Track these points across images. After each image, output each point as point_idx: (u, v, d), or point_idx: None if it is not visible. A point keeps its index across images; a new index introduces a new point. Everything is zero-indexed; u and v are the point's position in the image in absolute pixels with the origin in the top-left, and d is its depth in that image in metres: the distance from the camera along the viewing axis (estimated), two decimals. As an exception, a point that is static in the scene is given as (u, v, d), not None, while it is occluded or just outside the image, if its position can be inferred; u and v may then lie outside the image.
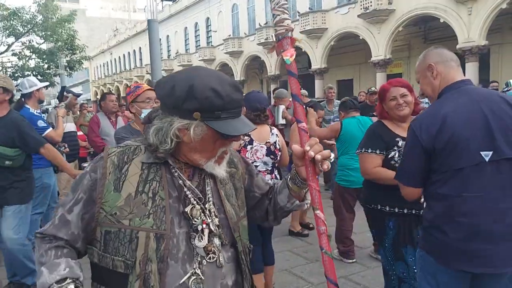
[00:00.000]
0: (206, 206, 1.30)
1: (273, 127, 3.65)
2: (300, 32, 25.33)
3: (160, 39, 47.02)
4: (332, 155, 1.32)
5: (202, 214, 1.27)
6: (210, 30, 36.98)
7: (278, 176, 3.61)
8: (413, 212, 2.78)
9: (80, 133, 7.04)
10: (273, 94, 8.17)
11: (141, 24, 49.32)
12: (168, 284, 1.21)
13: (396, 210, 2.81)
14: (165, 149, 1.23)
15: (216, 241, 1.29)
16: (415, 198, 2.15)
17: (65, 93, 6.42)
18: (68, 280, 1.19)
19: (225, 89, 1.21)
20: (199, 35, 39.21)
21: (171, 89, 1.22)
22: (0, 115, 3.68)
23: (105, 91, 58.48)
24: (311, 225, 5.53)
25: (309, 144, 1.29)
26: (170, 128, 1.22)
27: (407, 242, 2.80)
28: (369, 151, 2.91)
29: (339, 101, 7.95)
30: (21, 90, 4.97)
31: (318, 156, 1.26)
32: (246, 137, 3.35)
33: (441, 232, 1.96)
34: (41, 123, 4.79)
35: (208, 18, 37.21)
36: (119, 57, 56.48)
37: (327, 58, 25.19)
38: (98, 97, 45.55)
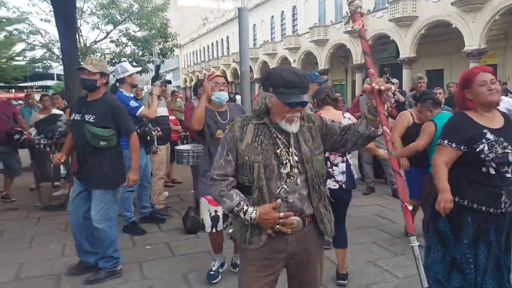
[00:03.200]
0: (290, 149, 2.07)
1: (345, 112, 3.79)
2: (389, 20, 24.51)
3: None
4: (393, 87, 1.74)
5: (286, 154, 2.06)
6: (296, 19, 36.89)
7: (349, 160, 3.69)
8: (491, 210, 2.68)
9: (172, 117, 7.31)
10: (363, 83, 8.08)
11: (229, 13, 50.35)
12: (270, 191, 2.05)
13: (475, 206, 2.70)
14: (260, 109, 2.07)
15: (295, 170, 2.06)
16: None
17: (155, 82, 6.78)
18: (242, 202, 2.06)
19: (288, 75, 2.00)
20: (285, 23, 39.23)
21: (263, 76, 2.11)
22: (97, 97, 3.84)
23: (193, 78, 60.75)
24: None
25: (375, 81, 2.01)
26: (262, 97, 2.06)
27: (481, 240, 2.73)
28: (445, 142, 2.77)
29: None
30: (114, 76, 5.23)
31: (382, 87, 1.98)
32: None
33: None
34: (133, 103, 5.04)
35: (294, 7, 37.08)
36: (208, 45, 58.09)
37: (416, 47, 24.15)
38: (187, 84, 47.07)
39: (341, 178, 3.59)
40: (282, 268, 2.20)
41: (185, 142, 7.58)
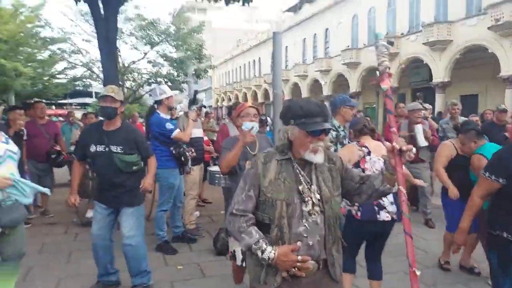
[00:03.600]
0: (312, 186, 2.08)
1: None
2: (423, 43, 24.30)
3: (279, 49, 48.13)
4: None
5: (308, 191, 2.06)
6: (328, 41, 37.04)
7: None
8: None
9: (205, 138, 7.35)
10: (396, 107, 8.00)
11: (262, 35, 50.94)
12: (291, 230, 2.02)
13: None
14: (283, 144, 2.09)
15: (316, 208, 2.05)
16: None
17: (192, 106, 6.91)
18: (261, 241, 2.01)
19: (308, 106, 2.05)
20: (317, 45, 39.44)
21: (283, 110, 2.16)
22: (117, 126, 3.90)
23: (225, 98, 61.43)
24: (475, 270, 4.77)
25: (396, 141, 2.01)
26: (283, 131, 2.10)
27: None
28: (486, 174, 2.81)
29: (463, 118, 7.53)
30: (152, 96, 5.52)
31: (404, 148, 1.99)
32: (364, 149, 3.55)
33: None
34: (169, 126, 5.19)
35: (327, 29, 37.28)
36: (240, 66, 58.86)
37: (451, 71, 23.82)
38: (219, 104, 47.32)
39: (392, 208, 3.48)
40: None
41: (216, 163, 7.65)
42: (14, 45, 17.06)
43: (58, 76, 21.37)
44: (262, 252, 1.99)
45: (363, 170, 3.41)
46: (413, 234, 5.71)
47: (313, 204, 2.04)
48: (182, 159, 5.45)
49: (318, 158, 2.06)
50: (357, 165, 3.48)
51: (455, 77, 23.78)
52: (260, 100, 48.73)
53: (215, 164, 7.48)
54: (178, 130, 5.35)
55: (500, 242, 2.77)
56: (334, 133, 4.24)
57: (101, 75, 19.63)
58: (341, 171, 2.21)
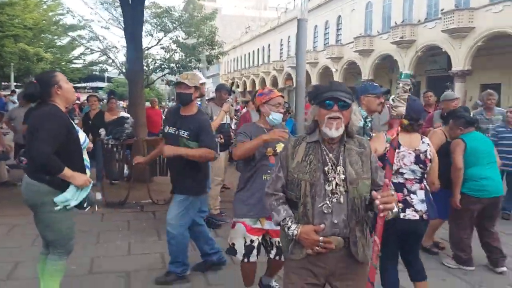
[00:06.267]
0: (337, 168, 2.16)
1: (424, 136, 3.45)
2: (442, 31, 23.84)
3: (289, 36, 47.49)
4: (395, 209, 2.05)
5: (333, 172, 2.15)
6: (341, 28, 36.56)
7: (428, 187, 3.36)
8: None
9: None
10: (425, 96, 7.65)
11: (272, 22, 50.53)
12: (315, 207, 2.15)
13: None
14: (309, 125, 2.26)
15: (340, 188, 2.14)
16: None
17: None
18: (287, 218, 2.21)
19: (321, 85, 2.30)
20: (328, 33, 39.05)
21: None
22: (193, 112, 3.92)
23: (233, 85, 61.20)
24: (441, 245, 5.14)
25: (380, 198, 2.02)
26: (310, 113, 2.27)
27: None
28: None
29: (501, 109, 7.11)
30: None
31: (381, 207, 2.02)
32: None
33: None
34: None
35: (339, 16, 36.79)
36: (248, 53, 58.71)
37: (472, 59, 23.24)
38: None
39: (421, 207, 3.25)
40: (323, 283, 2.29)
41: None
42: (38, 32, 17.48)
43: (75, 61, 21.64)
44: (288, 228, 2.19)
45: (390, 163, 3.06)
46: (446, 229, 5.37)
47: (337, 184, 2.14)
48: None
49: (333, 132, 2.13)
50: (383, 156, 3.09)
51: (475, 65, 23.22)
52: (268, 87, 48.35)
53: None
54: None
55: None
56: (360, 122, 3.81)
57: (116, 61, 19.58)
58: (370, 158, 2.28)
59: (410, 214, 3.21)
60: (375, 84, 4.34)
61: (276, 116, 3.32)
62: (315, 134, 2.23)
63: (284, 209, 2.23)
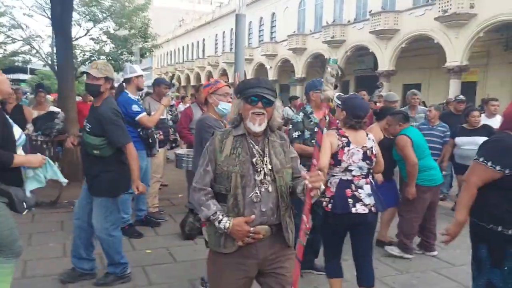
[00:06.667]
0: (264, 158, 2.28)
1: (369, 133, 3.59)
2: (370, 32, 24.87)
3: (223, 31, 47.04)
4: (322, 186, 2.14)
5: (261, 162, 2.26)
6: (275, 26, 37.11)
7: (372, 181, 3.53)
8: None
9: None
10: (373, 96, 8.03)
11: (207, 16, 50.14)
12: (245, 198, 2.23)
13: None
14: (234, 118, 2.32)
15: (268, 177, 2.26)
16: None
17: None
18: (218, 212, 2.23)
19: (249, 80, 2.34)
20: (263, 29, 39.44)
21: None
22: (98, 104, 3.68)
23: (167, 79, 60.09)
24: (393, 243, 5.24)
25: (309, 178, 2.11)
26: (234, 106, 2.34)
27: None
28: (488, 164, 2.60)
29: (424, 108, 7.70)
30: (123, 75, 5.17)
31: (310, 186, 2.11)
32: (343, 138, 3.35)
33: None
34: (135, 108, 4.98)
35: (273, 14, 37.29)
36: (182, 47, 57.94)
37: (396, 60, 24.46)
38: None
39: (369, 201, 3.32)
40: (255, 274, 2.35)
41: (173, 145, 7.46)
42: None
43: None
44: (219, 222, 2.22)
45: (340, 162, 3.31)
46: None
47: (265, 174, 2.26)
48: (150, 141, 5.29)
49: (257, 127, 2.25)
50: (335, 155, 3.31)
51: (399, 66, 24.43)
52: (203, 82, 48.06)
53: (172, 147, 7.31)
54: (144, 113, 5.15)
55: (494, 237, 2.64)
56: (292, 114, 4.02)
57: (41, 51, 18.56)
58: (289, 149, 2.44)
59: (360, 209, 3.27)
60: (320, 80, 4.48)
61: (225, 106, 3.38)
62: (241, 128, 2.32)
63: (213, 203, 2.27)
